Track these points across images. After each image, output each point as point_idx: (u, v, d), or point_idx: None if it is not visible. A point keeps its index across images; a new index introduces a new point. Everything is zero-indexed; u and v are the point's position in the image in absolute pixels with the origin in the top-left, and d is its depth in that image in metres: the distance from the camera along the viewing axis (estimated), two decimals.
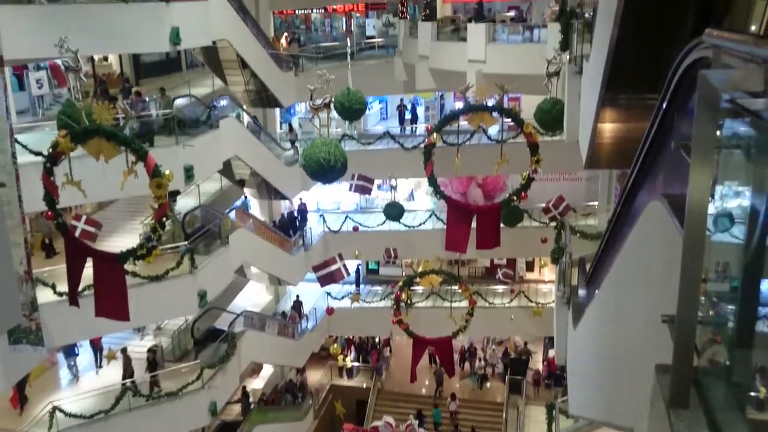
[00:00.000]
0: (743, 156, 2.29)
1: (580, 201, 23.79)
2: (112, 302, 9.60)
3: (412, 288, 19.71)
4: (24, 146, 13.50)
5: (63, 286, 12.47)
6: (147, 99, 18.29)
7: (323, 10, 33.98)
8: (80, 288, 10.09)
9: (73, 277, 9.73)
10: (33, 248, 14.70)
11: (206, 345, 19.80)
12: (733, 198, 2.42)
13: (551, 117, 13.50)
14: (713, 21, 6.54)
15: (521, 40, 20.91)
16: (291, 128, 26.27)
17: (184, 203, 20.58)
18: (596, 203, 24.10)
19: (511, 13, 26.11)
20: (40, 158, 11.71)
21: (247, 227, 20.24)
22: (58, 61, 16.43)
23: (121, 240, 16.82)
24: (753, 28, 6.34)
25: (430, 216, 24.67)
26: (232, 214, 20.09)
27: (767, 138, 2.07)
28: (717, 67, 2.77)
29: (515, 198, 11.39)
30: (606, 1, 8.19)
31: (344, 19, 33.94)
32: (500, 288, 25.75)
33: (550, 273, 27.11)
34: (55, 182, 9.38)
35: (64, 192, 9.48)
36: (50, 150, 9.22)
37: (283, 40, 26.69)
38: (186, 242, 17.15)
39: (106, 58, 21.04)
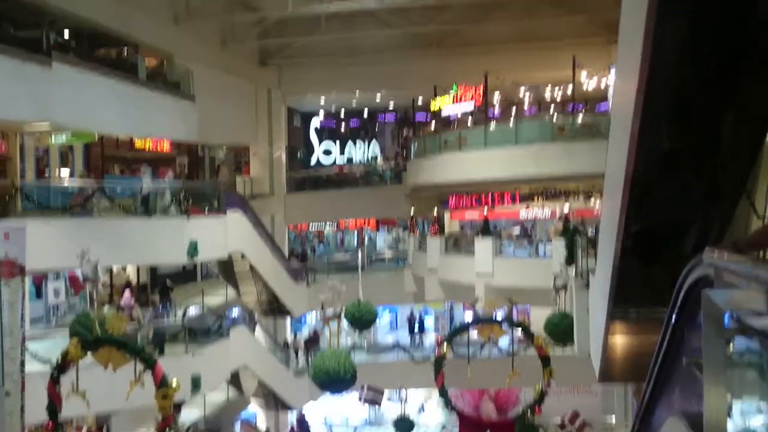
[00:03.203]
0: (756, 372, 2.31)
1: (596, 416, 22.92)
2: None
3: None
4: (33, 355, 13.46)
5: None
6: (161, 308, 18.54)
7: (336, 226, 35.41)
8: None
9: None
10: None
11: None
12: (752, 415, 2.40)
13: (561, 330, 13.57)
14: (713, 237, 6.79)
15: (527, 255, 21.53)
16: (295, 337, 26.16)
17: (188, 414, 19.98)
18: (613, 418, 23.21)
19: (517, 229, 27.09)
20: (47, 368, 11.63)
21: None
22: (78, 271, 16.95)
23: None
24: None
25: (442, 430, 23.72)
26: (237, 427, 19.41)
27: None
28: (719, 285, 2.86)
29: (529, 412, 11.08)
30: (607, 220, 8.56)
31: (356, 233, 35.26)
32: None
33: None
34: (60, 392, 9.28)
35: (67, 402, 9.34)
36: (59, 359, 9.24)
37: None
38: None
39: (124, 269, 21.64)
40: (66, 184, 17.99)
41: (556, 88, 24.89)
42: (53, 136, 17.53)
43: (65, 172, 20.67)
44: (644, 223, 6.95)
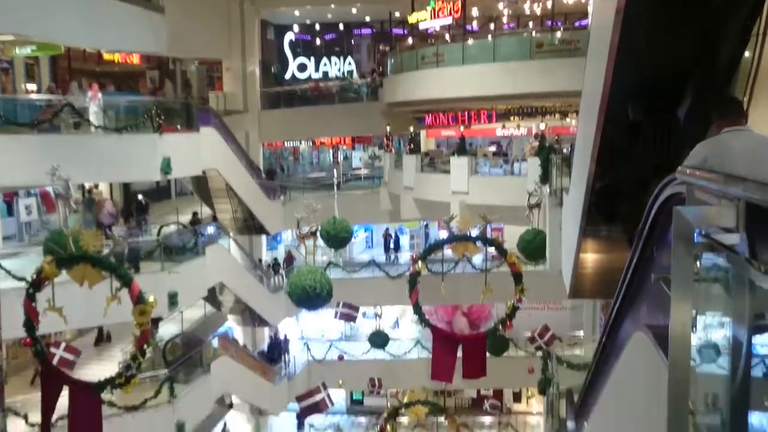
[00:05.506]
0: (722, 288, 2.35)
1: (565, 330, 23.65)
2: None
3: (397, 419, 19.18)
4: (8, 272, 13.41)
5: (35, 416, 12.01)
6: (137, 225, 18.48)
7: (311, 143, 35.12)
8: (54, 418, 9.72)
9: (48, 406, 9.41)
10: (7, 376, 14.24)
11: None
12: (715, 329, 2.46)
13: (533, 247, 13.76)
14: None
15: (502, 173, 21.62)
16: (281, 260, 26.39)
17: (166, 329, 20.24)
18: (582, 333, 23.98)
19: (492, 148, 27.10)
20: (22, 284, 11.61)
21: (229, 355, 19.85)
22: (49, 188, 16.71)
23: (99, 368, 16.35)
24: None
25: (416, 345, 24.38)
26: (215, 342, 19.73)
27: (743, 271, 2.14)
28: (691, 202, 2.88)
29: (501, 327, 11.36)
30: (583, 138, 8.58)
31: (331, 151, 35.04)
32: (487, 420, 25.05)
33: (538, 404, 26.50)
34: (36, 308, 9.28)
35: (44, 318, 9.35)
36: (34, 276, 9.20)
37: None
38: (166, 370, 16.72)
39: (96, 186, 21.39)
40: (33, 98, 17.51)
41: (536, 3, 24.40)
42: (17, 48, 16.92)
43: (31, 86, 20.10)
44: (620, 141, 6.95)
